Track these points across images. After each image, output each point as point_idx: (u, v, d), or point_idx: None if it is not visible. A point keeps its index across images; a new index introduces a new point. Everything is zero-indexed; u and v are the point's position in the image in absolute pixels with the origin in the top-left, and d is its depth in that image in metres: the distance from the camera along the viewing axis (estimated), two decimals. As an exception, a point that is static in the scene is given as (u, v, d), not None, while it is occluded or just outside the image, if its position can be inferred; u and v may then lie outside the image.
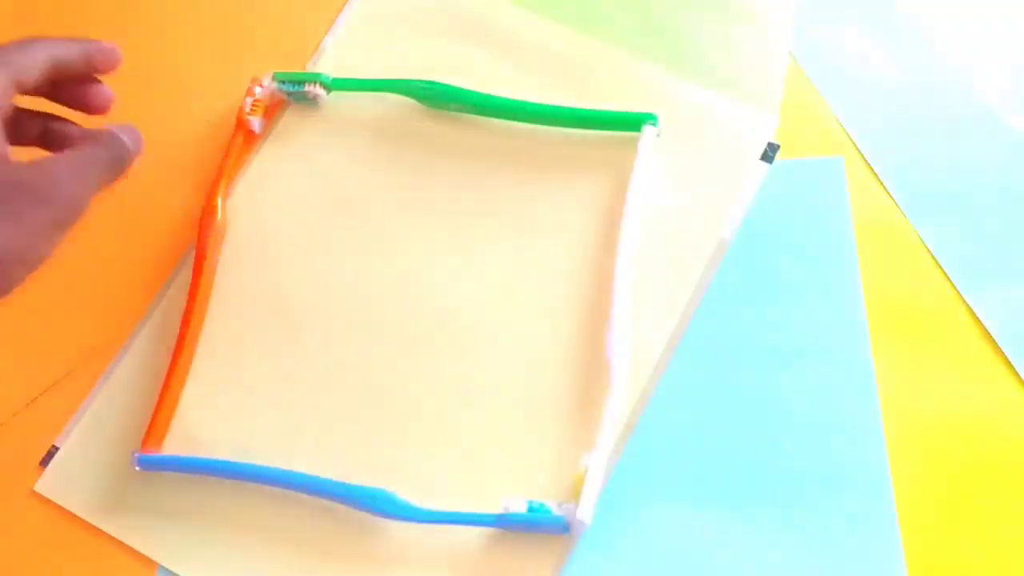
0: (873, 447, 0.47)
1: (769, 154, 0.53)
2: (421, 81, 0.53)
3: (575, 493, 0.44)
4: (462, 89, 0.53)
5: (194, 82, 0.57)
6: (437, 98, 0.53)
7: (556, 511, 0.45)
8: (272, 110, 0.55)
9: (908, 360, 0.48)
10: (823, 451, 0.47)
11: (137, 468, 0.47)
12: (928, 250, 0.51)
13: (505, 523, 0.45)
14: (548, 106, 0.52)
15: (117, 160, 0.44)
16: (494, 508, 0.45)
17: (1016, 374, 0.48)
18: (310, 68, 0.56)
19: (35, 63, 0.43)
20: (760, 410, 0.48)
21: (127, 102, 0.51)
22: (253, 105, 0.53)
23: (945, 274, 0.50)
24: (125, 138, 0.44)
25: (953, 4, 0.56)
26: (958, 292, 0.50)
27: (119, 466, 0.49)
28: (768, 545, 0.45)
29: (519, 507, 0.45)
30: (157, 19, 0.59)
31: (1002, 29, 0.56)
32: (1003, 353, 0.48)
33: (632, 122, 0.52)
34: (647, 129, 0.51)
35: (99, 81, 0.46)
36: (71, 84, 0.45)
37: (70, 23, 0.59)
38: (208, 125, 0.55)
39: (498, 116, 0.53)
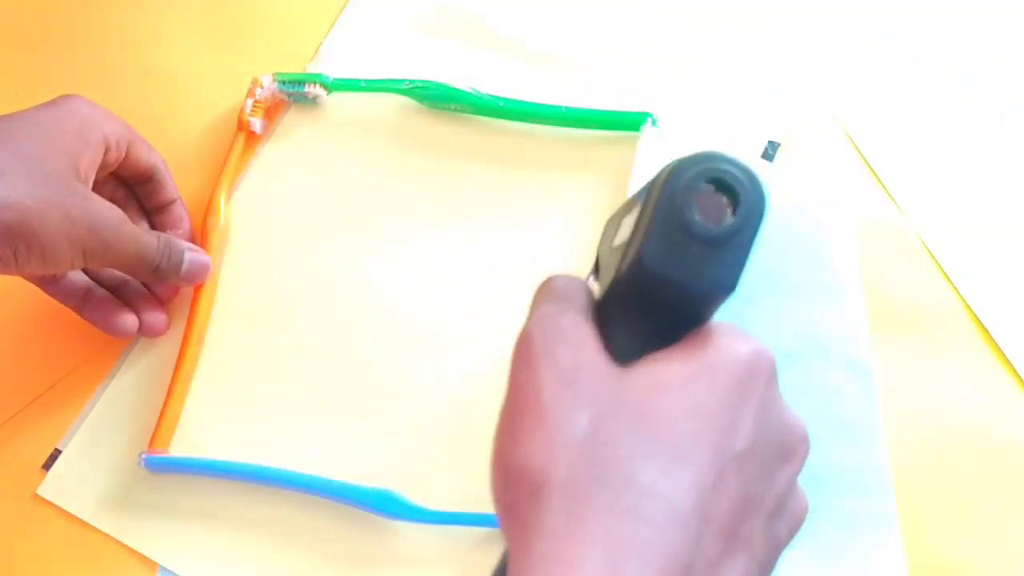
0: (874, 446, 0.47)
1: (770, 152, 0.52)
2: (420, 81, 0.53)
3: None
4: (461, 90, 0.53)
5: (195, 83, 0.56)
6: (436, 98, 0.53)
7: None
8: (273, 111, 0.55)
9: (908, 360, 0.48)
10: (824, 451, 0.46)
11: (144, 469, 0.47)
12: (928, 250, 0.51)
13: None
14: (547, 106, 0.52)
15: (159, 265, 0.47)
16: (499, 509, 0.45)
17: (1016, 374, 0.48)
18: (311, 69, 0.56)
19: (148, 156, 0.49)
20: (760, 409, 0.48)
21: (128, 103, 0.51)
22: (254, 106, 0.53)
23: (945, 274, 0.50)
24: (186, 257, 0.48)
25: (953, 4, 0.56)
26: (958, 292, 0.50)
27: (122, 469, 0.49)
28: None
29: (524, 508, 0.45)
30: (157, 20, 0.58)
31: (1002, 30, 0.56)
32: (1003, 353, 0.48)
33: (631, 122, 0.52)
34: (646, 128, 0.51)
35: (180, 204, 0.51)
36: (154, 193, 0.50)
37: (73, 24, 0.59)
38: (209, 126, 0.55)
39: (497, 116, 0.53)
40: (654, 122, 0.52)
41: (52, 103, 0.45)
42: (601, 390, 0.26)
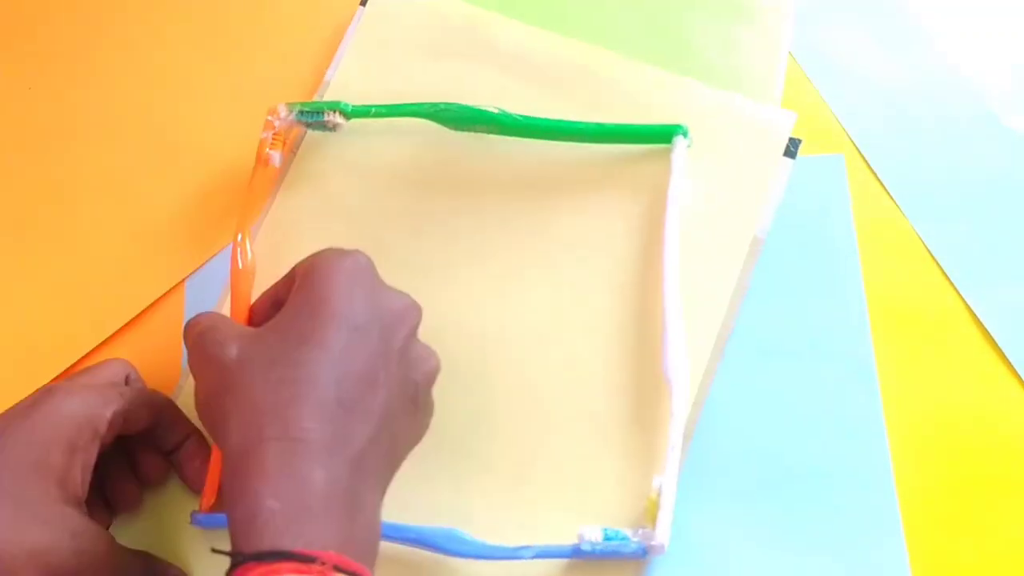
0: (875, 446, 0.47)
1: (791, 149, 0.52)
2: (443, 104, 0.51)
3: (649, 516, 0.44)
4: (487, 110, 0.51)
5: (204, 122, 0.55)
6: (461, 120, 0.51)
7: (632, 537, 0.44)
8: (289, 142, 0.52)
9: (909, 359, 0.49)
10: (825, 449, 0.47)
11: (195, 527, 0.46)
12: (928, 250, 0.52)
13: (582, 554, 0.44)
14: (577, 123, 0.51)
15: None
16: (564, 537, 0.45)
17: (1016, 374, 0.48)
18: (317, 99, 0.53)
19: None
20: (762, 409, 0.48)
21: (134, 157, 0.48)
22: (273, 138, 0.50)
23: (945, 274, 0.51)
24: None
25: (953, 4, 0.57)
26: (958, 292, 0.51)
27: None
28: (771, 543, 0.46)
29: (595, 535, 0.44)
30: (158, 55, 0.57)
31: (1002, 29, 0.56)
32: (1003, 353, 0.49)
33: (663, 134, 0.51)
34: (678, 141, 0.51)
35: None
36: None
37: (80, 67, 0.56)
38: (223, 167, 0.53)
39: (523, 135, 0.52)
40: (685, 134, 0.51)
41: (32, 405, 0.41)
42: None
